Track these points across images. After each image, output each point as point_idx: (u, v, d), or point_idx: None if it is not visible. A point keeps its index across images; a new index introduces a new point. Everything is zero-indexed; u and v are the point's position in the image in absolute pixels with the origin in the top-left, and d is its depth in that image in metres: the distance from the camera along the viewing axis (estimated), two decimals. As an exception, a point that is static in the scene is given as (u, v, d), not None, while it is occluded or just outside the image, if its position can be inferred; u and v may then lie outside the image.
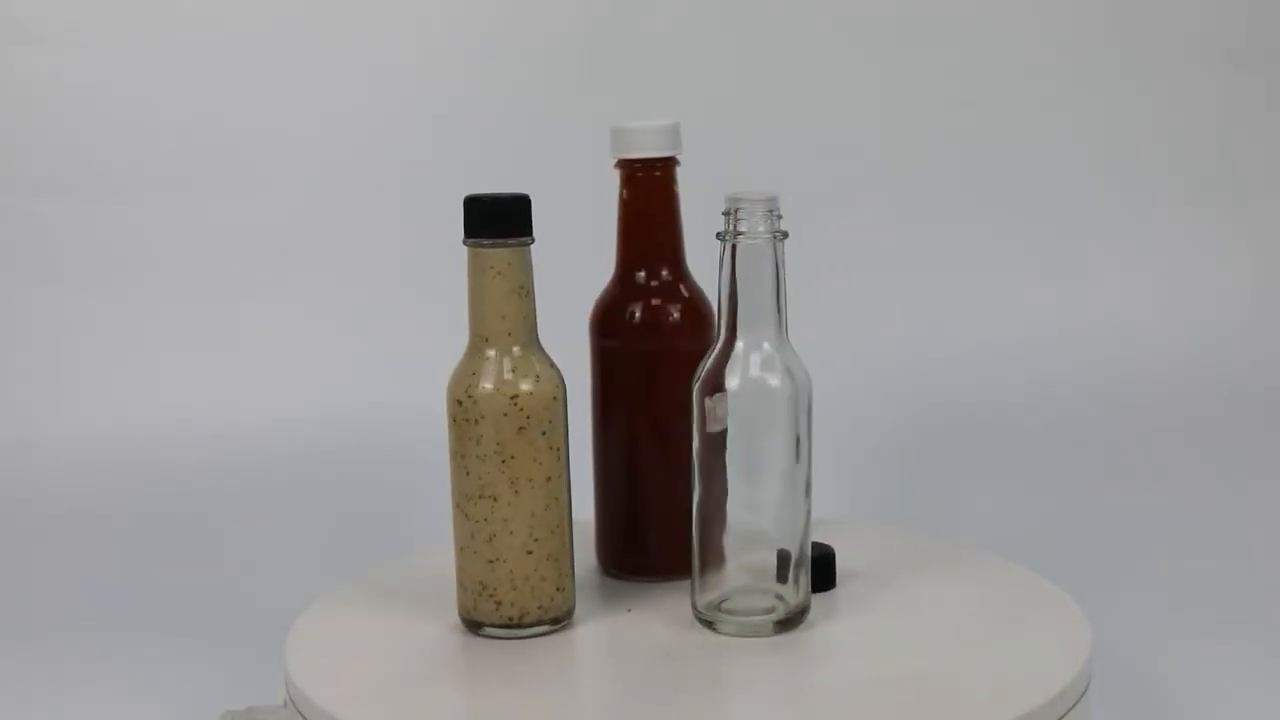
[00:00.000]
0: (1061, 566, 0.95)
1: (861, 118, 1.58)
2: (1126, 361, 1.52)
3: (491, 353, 0.84)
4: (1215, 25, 1.59)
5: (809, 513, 0.85)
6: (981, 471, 1.40)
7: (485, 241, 0.83)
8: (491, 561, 0.84)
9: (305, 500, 1.36)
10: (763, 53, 1.55)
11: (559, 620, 0.86)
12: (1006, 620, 0.87)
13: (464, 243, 0.84)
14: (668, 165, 0.92)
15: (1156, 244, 1.60)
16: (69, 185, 1.47)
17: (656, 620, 0.88)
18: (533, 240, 0.84)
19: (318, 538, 1.29)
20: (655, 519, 0.94)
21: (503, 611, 0.85)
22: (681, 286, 0.92)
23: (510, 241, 0.83)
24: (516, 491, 0.83)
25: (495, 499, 0.83)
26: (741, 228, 0.83)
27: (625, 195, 0.93)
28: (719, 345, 0.84)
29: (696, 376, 0.85)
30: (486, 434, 0.83)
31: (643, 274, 0.93)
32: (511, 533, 0.84)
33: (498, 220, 0.83)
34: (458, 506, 0.85)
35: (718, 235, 0.84)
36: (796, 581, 0.85)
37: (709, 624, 0.87)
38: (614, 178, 0.93)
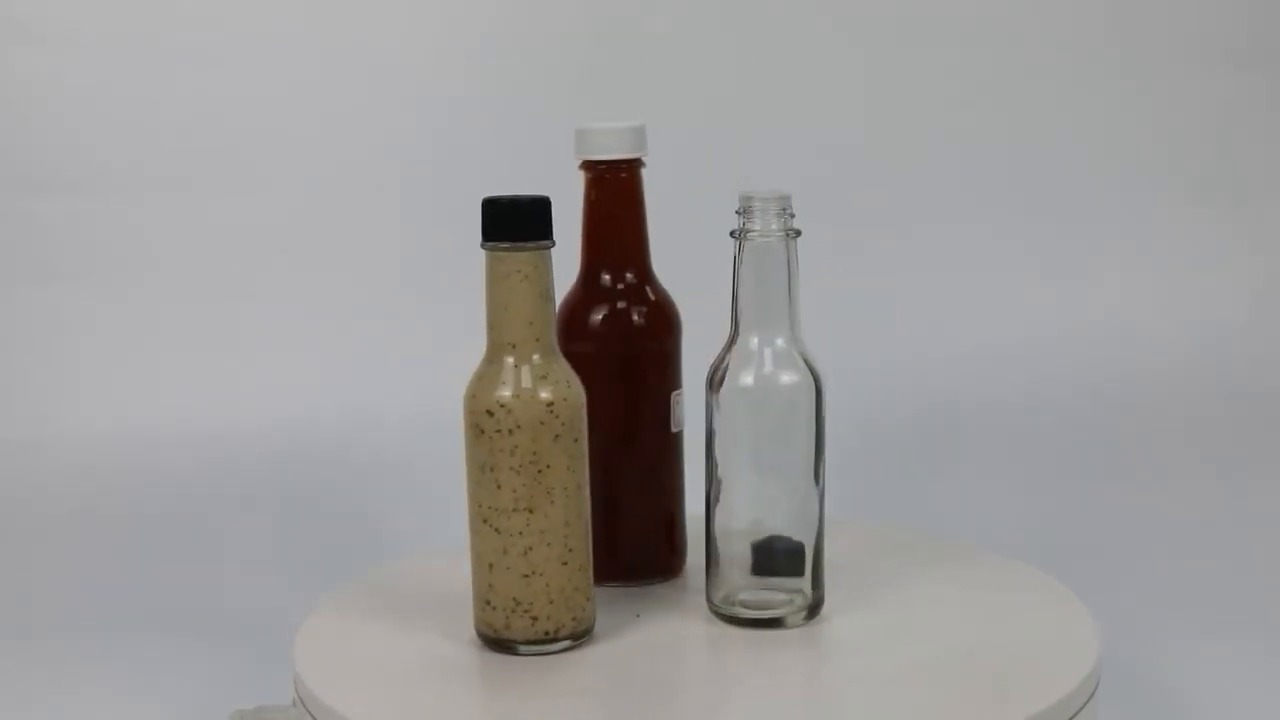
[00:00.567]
0: (1062, 566, 0.95)
1: (860, 117, 1.59)
2: (1127, 361, 1.54)
3: (517, 360, 0.81)
4: (1215, 25, 1.61)
5: (822, 507, 0.86)
6: (982, 471, 1.41)
7: (510, 245, 0.80)
8: (527, 576, 0.82)
9: (306, 500, 1.36)
10: (762, 53, 1.56)
11: (588, 632, 0.84)
12: (1014, 620, 0.87)
13: (484, 246, 0.81)
14: (633, 167, 0.91)
15: (1157, 244, 1.61)
16: (70, 185, 1.47)
17: (669, 621, 0.88)
18: (554, 243, 0.82)
19: (317, 538, 1.28)
20: (626, 524, 0.93)
21: (538, 627, 0.82)
22: (648, 289, 0.92)
23: (536, 244, 0.81)
24: (553, 502, 0.81)
25: (531, 511, 0.81)
26: (754, 225, 0.84)
27: (590, 197, 0.92)
28: (732, 343, 0.85)
29: (710, 373, 0.85)
30: (522, 444, 0.80)
31: (608, 277, 0.92)
32: (549, 544, 0.82)
33: (523, 223, 0.81)
34: (485, 522, 0.82)
35: (731, 233, 0.84)
36: (810, 576, 0.86)
37: (728, 618, 0.87)
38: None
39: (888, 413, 1.46)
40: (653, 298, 0.92)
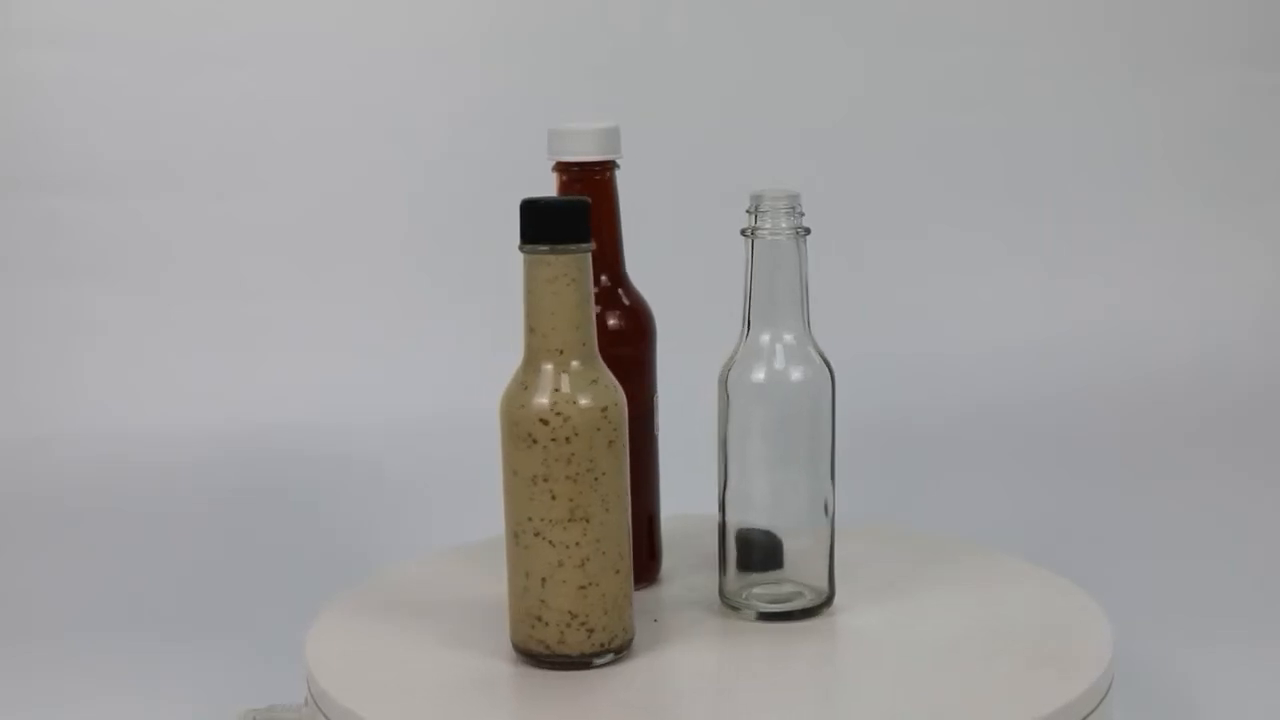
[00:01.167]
0: (1073, 566, 0.95)
1: (866, 118, 1.58)
2: (1139, 361, 1.52)
3: (565, 365, 0.79)
4: (1225, 22, 1.60)
5: (833, 501, 0.88)
6: (991, 471, 1.40)
7: (556, 248, 0.78)
8: (584, 587, 0.79)
9: (318, 498, 1.35)
10: (754, 51, 1.55)
11: (631, 641, 0.83)
12: (1027, 619, 0.87)
13: (526, 250, 0.79)
14: (606, 169, 0.90)
15: (1167, 244, 1.60)
16: (85, 184, 1.48)
17: (684, 621, 0.87)
18: (594, 245, 0.80)
19: (330, 536, 1.28)
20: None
21: (595, 639, 0.80)
22: (621, 293, 0.91)
23: (581, 247, 0.79)
24: (607, 510, 0.80)
25: (588, 520, 0.79)
26: (765, 224, 0.85)
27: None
28: (744, 340, 0.86)
29: (722, 370, 0.86)
30: (580, 452, 0.78)
31: None
32: (604, 553, 0.80)
33: (570, 225, 0.79)
34: (537, 535, 0.79)
35: (742, 231, 0.85)
36: (822, 569, 0.88)
37: (740, 610, 0.88)
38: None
39: (896, 412, 1.46)
40: (627, 302, 0.91)
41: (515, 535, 0.80)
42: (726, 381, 0.86)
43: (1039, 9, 1.61)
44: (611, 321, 0.90)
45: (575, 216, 0.78)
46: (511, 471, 0.79)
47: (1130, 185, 1.62)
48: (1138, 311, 1.58)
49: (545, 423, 0.78)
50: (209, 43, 1.49)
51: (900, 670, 0.81)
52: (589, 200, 0.80)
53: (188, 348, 1.48)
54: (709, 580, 0.90)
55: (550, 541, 0.79)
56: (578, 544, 0.79)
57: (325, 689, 0.79)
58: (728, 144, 1.50)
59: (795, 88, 1.57)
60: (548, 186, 0.88)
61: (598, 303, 0.89)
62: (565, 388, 0.78)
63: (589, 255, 0.79)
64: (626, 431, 0.80)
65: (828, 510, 0.87)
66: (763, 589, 0.88)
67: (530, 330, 0.79)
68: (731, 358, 0.86)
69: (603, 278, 0.91)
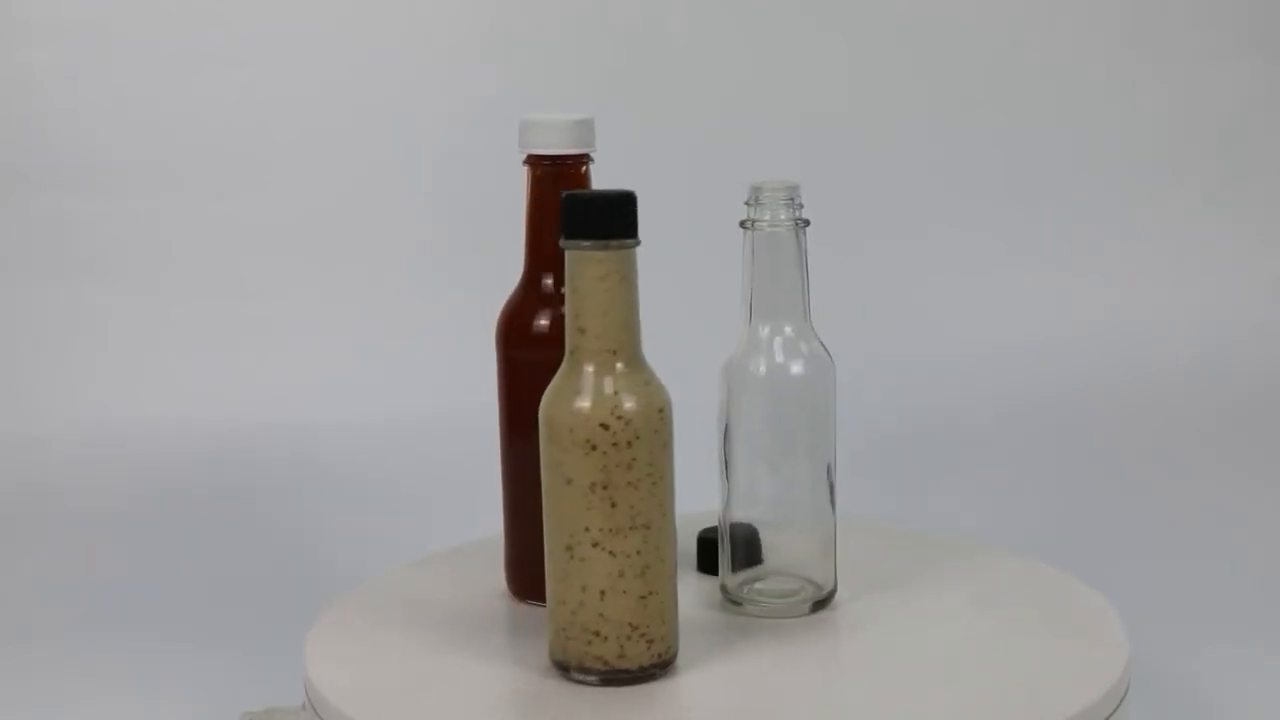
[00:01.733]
0: (1083, 568, 0.93)
1: (869, 114, 1.56)
2: (1144, 360, 1.51)
3: (620, 366, 0.76)
4: (1230, 16, 1.58)
5: (834, 495, 0.87)
6: (997, 471, 1.38)
7: (610, 245, 0.75)
8: (644, 597, 0.76)
9: (319, 499, 1.34)
10: (747, 45, 1.55)
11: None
12: (1039, 622, 0.85)
13: (576, 247, 0.75)
14: (581, 163, 0.87)
15: (1171, 243, 1.59)
16: (85, 183, 1.48)
17: (695, 620, 0.85)
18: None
19: (328, 537, 1.26)
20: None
21: (654, 649, 0.77)
22: (598, 292, 0.88)
23: (632, 242, 0.76)
24: (664, 514, 0.77)
25: (648, 527, 0.76)
26: (764, 215, 0.84)
27: (534, 194, 0.87)
28: (743, 332, 0.85)
29: (724, 365, 0.85)
30: (640, 456, 0.75)
31: (551, 279, 0.87)
32: (662, 560, 0.77)
33: (621, 220, 0.76)
34: (596, 546, 0.75)
35: (741, 223, 0.84)
36: (824, 564, 0.88)
37: (743, 605, 0.86)
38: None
39: (899, 412, 1.44)
40: (605, 302, 0.88)
41: (568, 548, 0.76)
42: (727, 374, 0.84)
43: (1040, 7, 1.62)
44: None
45: (625, 210, 0.75)
46: (564, 481, 0.75)
47: (1131, 184, 1.63)
48: (1139, 311, 1.58)
49: (606, 427, 0.74)
50: (209, 42, 1.51)
51: (913, 672, 0.79)
52: (634, 193, 0.76)
53: (188, 347, 1.48)
54: (699, 576, 0.90)
55: (610, 551, 0.75)
56: (638, 552, 0.76)
57: (323, 692, 0.77)
58: (720, 141, 1.50)
59: (793, 86, 1.58)
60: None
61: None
62: (623, 390, 0.75)
63: (635, 252, 0.76)
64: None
65: (831, 504, 0.87)
66: (764, 584, 0.87)
67: (580, 331, 0.75)
68: (732, 352, 0.85)
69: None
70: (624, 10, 1.57)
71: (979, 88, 1.61)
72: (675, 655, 0.78)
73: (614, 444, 0.74)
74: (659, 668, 0.77)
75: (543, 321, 0.87)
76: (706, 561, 0.93)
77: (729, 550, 0.87)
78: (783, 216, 0.84)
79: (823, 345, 0.85)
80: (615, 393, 0.75)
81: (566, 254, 0.76)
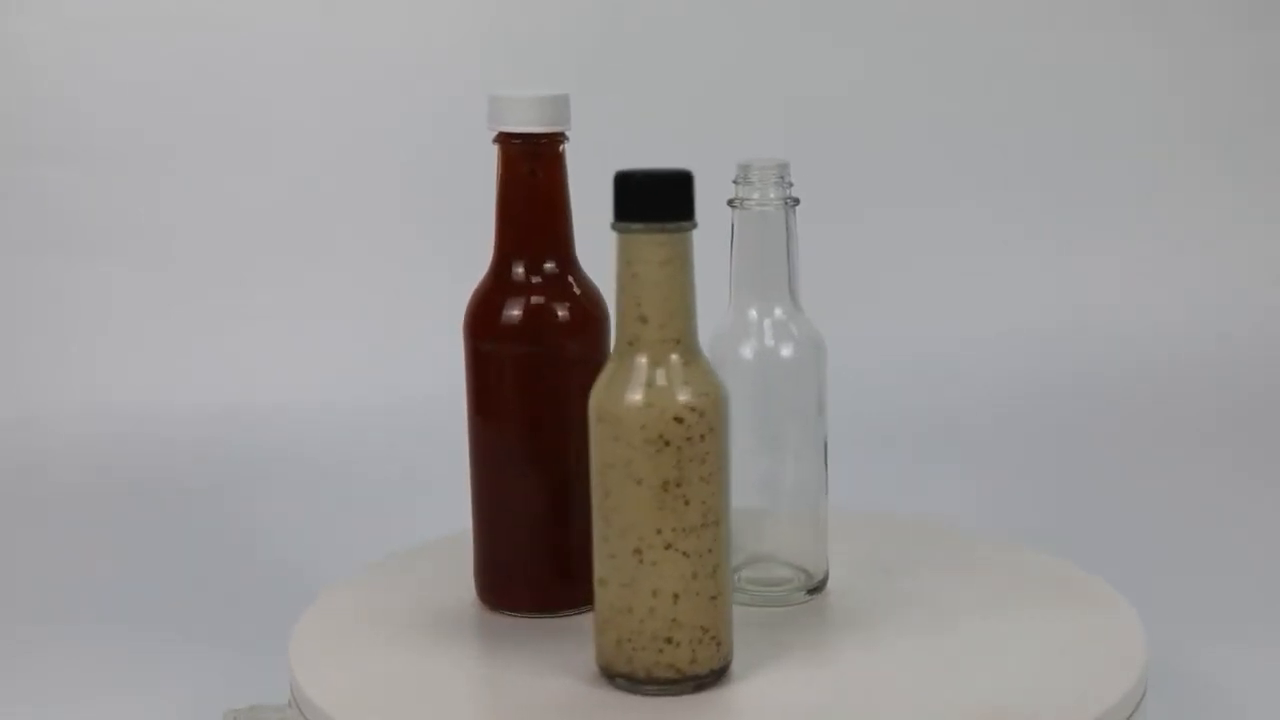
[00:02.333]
0: (1095, 563, 0.89)
1: (872, 96, 1.53)
2: (1153, 347, 1.47)
3: (683, 356, 0.72)
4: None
5: (825, 481, 0.85)
6: (993, 458, 1.34)
7: (671, 227, 0.71)
8: (714, 598, 0.73)
9: (312, 487, 1.31)
10: (760, 24, 1.52)
11: (728, 651, 0.77)
12: (1053, 621, 0.81)
13: (634, 230, 0.70)
14: (555, 142, 0.82)
15: (1184, 225, 1.55)
16: (81, 161, 1.48)
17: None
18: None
19: (322, 526, 1.23)
20: (539, 547, 0.83)
21: (722, 651, 0.74)
22: (570, 280, 0.83)
23: (690, 224, 0.72)
24: (728, 509, 0.74)
25: (718, 524, 0.73)
26: (752, 194, 0.82)
27: (504, 175, 0.82)
28: (730, 314, 0.82)
29: (709, 348, 0.82)
30: (713, 450, 0.72)
31: (522, 267, 0.82)
32: (726, 558, 0.74)
33: (682, 201, 0.72)
34: (669, 547, 0.71)
35: (729, 202, 0.82)
36: (815, 551, 0.86)
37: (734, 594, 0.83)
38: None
39: (892, 397, 1.40)
40: (576, 291, 0.83)
41: (639, 551, 0.71)
42: (713, 358, 0.81)
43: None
44: (558, 314, 0.82)
45: (686, 189, 0.71)
46: (634, 481, 0.71)
47: (1135, 168, 1.60)
48: (1142, 296, 1.56)
49: (680, 421, 0.70)
50: (217, 20, 1.50)
51: (925, 672, 0.76)
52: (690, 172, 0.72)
53: (185, 330, 1.47)
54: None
55: (684, 552, 0.71)
56: (710, 550, 0.72)
57: (307, 691, 0.74)
58: (705, 119, 1.46)
59: (786, 62, 1.55)
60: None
61: (541, 293, 0.82)
62: (692, 381, 0.71)
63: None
64: None
65: (820, 491, 0.85)
66: (751, 571, 0.84)
67: (641, 320, 0.71)
68: (718, 334, 0.82)
69: (548, 264, 0.83)
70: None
71: (979, 70, 1.59)
72: (731, 656, 0.75)
73: (687, 439, 0.70)
74: (723, 671, 0.74)
75: (513, 312, 0.81)
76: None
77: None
78: (772, 195, 0.82)
79: (812, 328, 0.83)
80: (685, 384, 0.71)
81: (621, 238, 0.71)
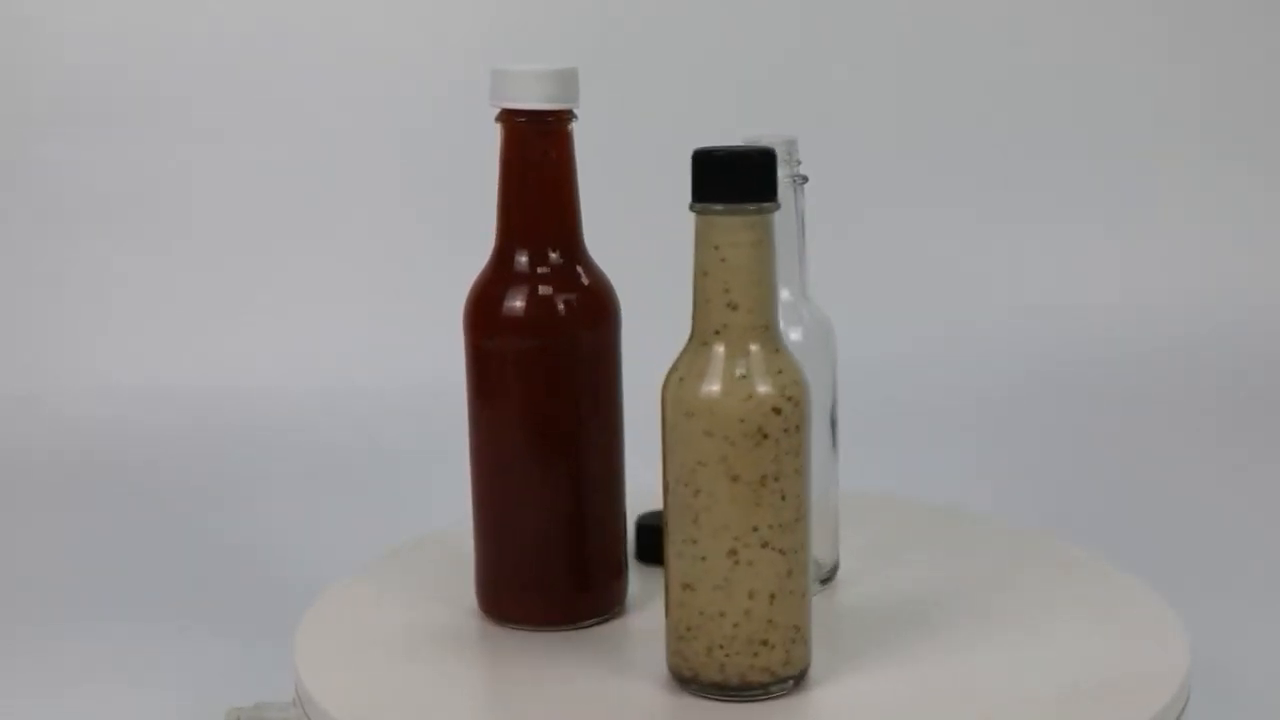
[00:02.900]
0: (1128, 559, 0.85)
1: (903, 72, 1.51)
2: (1172, 330, 1.44)
3: (773, 344, 0.69)
4: None
5: (836, 469, 0.83)
6: (1007, 443, 1.31)
7: (761, 205, 0.68)
8: (804, 595, 0.70)
9: (317, 476, 1.28)
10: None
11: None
12: (1088, 623, 0.77)
13: (721, 210, 0.67)
14: (563, 120, 0.77)
15: (1204, 210, 1.51)
16: (94, 142, 1.47)
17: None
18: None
19: (328, 516, 1.20)
20: (554, 559, 0.78)
21: (809, 650, 0.71)
22: (579, 270, 0.78)
23: (774, 204, 0.69)
24: (810, 503, 0.71)
25: (806, 518, 0.70)
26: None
27: (507, 156, 0.76)
28: None
29: None
30: (804, 442, 0.69)
31: (525, 256, 0.77)
32: (809, 554, 0.71)
33: (764, 178, 0.68)
34: (766, 546, 0.68)
35: None
36: (827, 540, 0.84)
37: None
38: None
39: (904, 381, 1.35)
40: (585, 281, 0.78)
41: (733, 552, 0.67)
42: None
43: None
44: (564, 306, 0.77)
45: (769, 168, 0.68)
46: (730, 479, 0.67)
47: (1159, 148, 1.57)
48: (1163, 278, 1.53)
49: (778, 411, 0.67)
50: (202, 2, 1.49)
51: (979, 661, 0.74)
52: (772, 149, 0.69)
53: (186, 313, 1.45)
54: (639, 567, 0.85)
55: (780, 550, 0.68)
56: (800, 548, 0.69)
57: (311, 690, 0.71)
58: (709, 97, 1.41)
59: (794, 40, 1.52)
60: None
61: (547, 283, 0.77)
62: (785, 369, 0.68)
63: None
64: None
65: (831, 478, 0.83)
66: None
67: (731, 308, 0.67)
68: None
69: (554, 253, 0.77)
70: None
71: (978, 67, 1.57)
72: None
73: (785, 430, 0.67)
74: (806, 672, 0.71)
75: (516, 304, 0.76)
76: (647, 550, 0.85)
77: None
78: (780, 173, 0.78)
79: (821, 311, 0.81)
80: (779, 373, 0.67)
81: (701, 221, 0.67)
